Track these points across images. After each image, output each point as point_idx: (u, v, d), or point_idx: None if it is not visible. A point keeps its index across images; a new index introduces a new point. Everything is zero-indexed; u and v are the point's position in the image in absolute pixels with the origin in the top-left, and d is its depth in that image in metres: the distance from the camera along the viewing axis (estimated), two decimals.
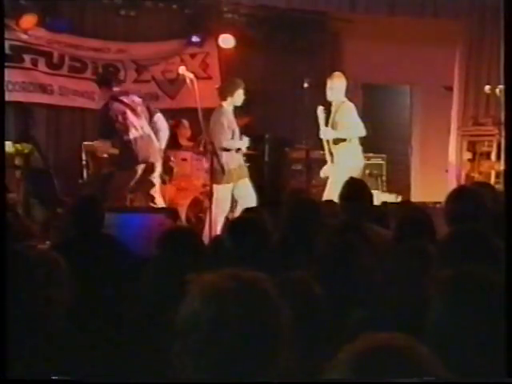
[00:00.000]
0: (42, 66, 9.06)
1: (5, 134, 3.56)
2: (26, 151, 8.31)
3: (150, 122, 7.52)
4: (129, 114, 7.35)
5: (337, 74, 7.95)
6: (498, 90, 8.50)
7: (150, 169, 7.42)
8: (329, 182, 7.65)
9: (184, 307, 1.59)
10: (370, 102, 8.33)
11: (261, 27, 9.89)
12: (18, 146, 8.15)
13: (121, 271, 3.88)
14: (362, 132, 7.76)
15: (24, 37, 8.80)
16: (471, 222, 3.62)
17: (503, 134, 7.39)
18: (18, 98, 8.79)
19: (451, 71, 9.77)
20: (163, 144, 7.63)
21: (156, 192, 7.49)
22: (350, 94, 8.01)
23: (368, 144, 8.61)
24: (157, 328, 2.54)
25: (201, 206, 8.23)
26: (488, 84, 9.01)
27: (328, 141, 7.75)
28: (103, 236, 4.32)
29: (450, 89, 9.87)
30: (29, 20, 8.68)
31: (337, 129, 7.68)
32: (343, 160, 7.61)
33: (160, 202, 7.47)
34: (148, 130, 7.45)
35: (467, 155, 9.45)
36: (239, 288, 1.58)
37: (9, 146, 7.67)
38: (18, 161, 8.00)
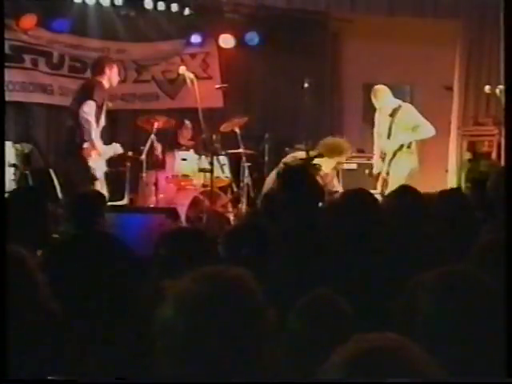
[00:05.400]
0: (42, 65, 9.06)
1: (5, 133, 3.57)
2: (26, 151, 8.31)
3: None
4: None
5: (376, 87, 7.86)
6: (498, 90, 8.49)
7: None
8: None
9: (159, 314, 1.58)
10: (370, 102, 8.33)
11: (261, 27, 9.88)
12: (17, 146, 8.15)
13: (120, 271, 3.88)
14: (432, 131, 7.72)
15: (24, 37, 8.80)
16: None
17: (503, 133, 7.38)
18: (18, 98, 8.79)
19: (451, 71, 9.77)
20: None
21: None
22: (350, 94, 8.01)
23: (368, 144, 8.61)
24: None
25: (201, 206, 8.22)
26: (488, 84, 9.00)
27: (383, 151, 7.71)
28: (103, 235, 4.31)
29: (450, 89, 9.87)
30: (29, 20, 8.67)
31: (397, 136, 7.62)
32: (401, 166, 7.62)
33: None
34: None
35: (467, 155, 9.44)
36: (219, 287, 1.56)
37: (9, 146, 7.67)
38: (17, 161, 7.98)
